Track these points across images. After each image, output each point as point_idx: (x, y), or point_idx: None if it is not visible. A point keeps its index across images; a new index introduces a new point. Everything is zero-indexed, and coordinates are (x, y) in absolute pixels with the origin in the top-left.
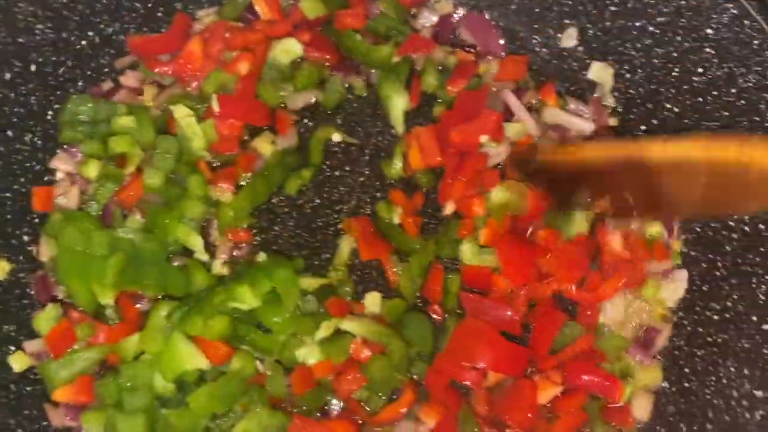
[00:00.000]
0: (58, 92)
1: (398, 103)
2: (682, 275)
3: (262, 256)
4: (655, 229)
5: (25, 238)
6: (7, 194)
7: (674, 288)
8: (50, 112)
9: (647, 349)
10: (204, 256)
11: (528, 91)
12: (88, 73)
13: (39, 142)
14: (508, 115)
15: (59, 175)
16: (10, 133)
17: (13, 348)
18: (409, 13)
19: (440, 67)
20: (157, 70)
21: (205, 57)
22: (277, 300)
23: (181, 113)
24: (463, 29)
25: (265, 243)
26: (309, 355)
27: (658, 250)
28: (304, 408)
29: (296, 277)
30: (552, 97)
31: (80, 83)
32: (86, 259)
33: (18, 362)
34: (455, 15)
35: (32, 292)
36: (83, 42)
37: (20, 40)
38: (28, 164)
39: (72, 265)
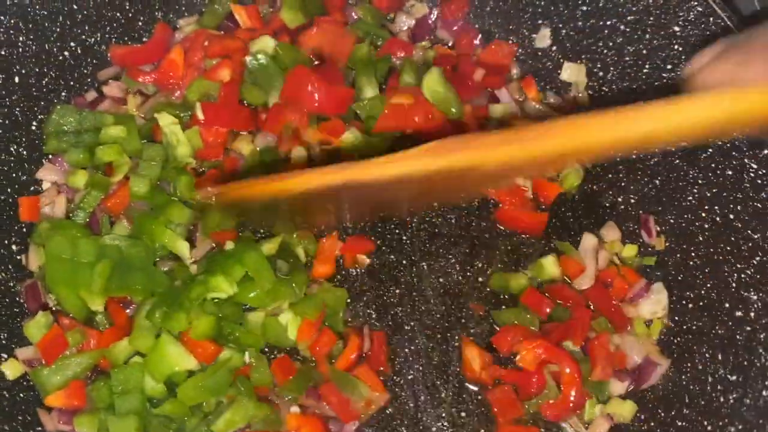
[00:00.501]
0: (42, 103)
1: (368, 95)
2: (658, 287)
3: (229, 244)
4: (628, 252)
5: (14, 247)
6: None
7: (658, 300)
8: (35, 123)
9: (639, 381)
10: (190, 260)
11: (511, 82)
12: (71, 83)
13: (24, 152)
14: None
15: (45, 185)
16: None
17: (5, 356)
18: (386, 18)
19: (422, 63)
20: (140, 79)
21: (186, 66)
22: (252, 281)
23: (166, 121)
24: (440, 29)
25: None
26: (290, 320)
27: (629, 275)
28: (288, 398)
29: (266, 258)
30: (533, 90)
31: (63, 93)
32: (74, 267)
33: (11, 370)
34: (431, 16)
35: (22, 301)
36: (65, 53)
37: (2, 52)
38: (14, 175)
39: (60, 273)
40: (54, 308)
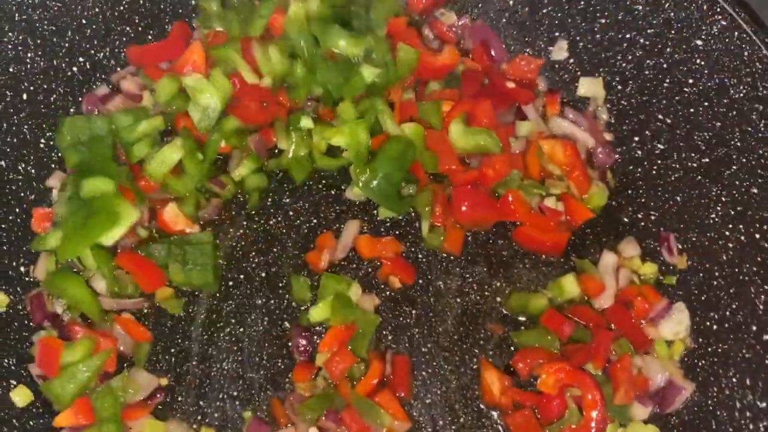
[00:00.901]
0: (51, 120)
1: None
2: (680, 306)
3: None
4: (648, 269)
5: (22, 269)
6: (2, 225)
7: (679, 320)
8: (43, 141)
9: (663, 406)
10: None
11: (538, 98)
12: (80, 99)
13: (33, 171)
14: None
15: (54, 196)
16: (3, 163)
17: (14, 383)
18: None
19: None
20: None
21: (209, 65)
22: None
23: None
24: (466, 39)
25: None
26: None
27: (649, 294)
28: (308, 417)
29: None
30: (556, 106)
31: (72, 110)
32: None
33: (20, 396)
34: (458, 24)
35: (31, 324)
36: (74, 68)
37: (11, 69)
38: (23, 194)
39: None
40: (63, 312)
